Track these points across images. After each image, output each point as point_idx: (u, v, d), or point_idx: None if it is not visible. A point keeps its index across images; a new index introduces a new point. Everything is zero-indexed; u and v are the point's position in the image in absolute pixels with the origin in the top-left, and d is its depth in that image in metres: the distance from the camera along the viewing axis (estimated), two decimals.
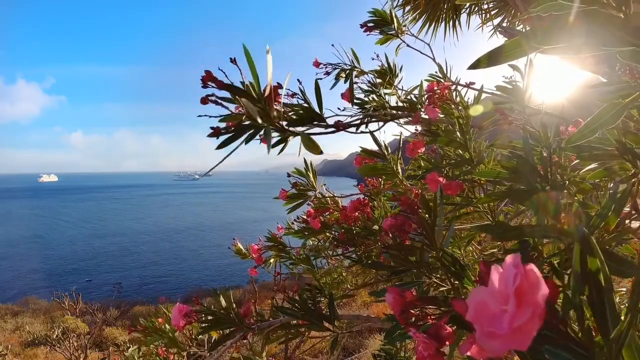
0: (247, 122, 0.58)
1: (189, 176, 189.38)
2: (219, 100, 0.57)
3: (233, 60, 0.56)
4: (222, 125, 0.57)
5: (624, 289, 1.28)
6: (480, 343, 0.33)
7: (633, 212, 0.59)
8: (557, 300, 0.38)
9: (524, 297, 0.31)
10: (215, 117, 0.58)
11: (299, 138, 0.60)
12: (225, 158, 0.61)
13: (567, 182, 0.73)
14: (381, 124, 1.04)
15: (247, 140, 0.59)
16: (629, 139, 0.61)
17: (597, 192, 0.78)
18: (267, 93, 0.57)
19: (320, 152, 0.57)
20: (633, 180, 0.61)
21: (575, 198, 0.74)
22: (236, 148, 0.60)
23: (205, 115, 0.59)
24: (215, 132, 0.56)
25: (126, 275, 24.60)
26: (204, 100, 0.55)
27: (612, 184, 0.72)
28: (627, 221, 0.58)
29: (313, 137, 0.60)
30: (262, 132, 0.59)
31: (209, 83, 0.55)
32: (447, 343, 0.43)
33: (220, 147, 0.58)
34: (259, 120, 0.56)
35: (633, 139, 0.61)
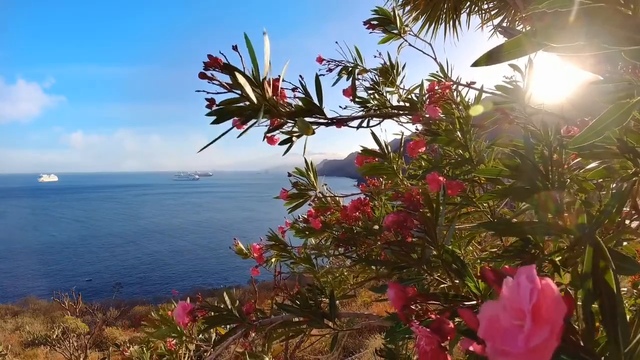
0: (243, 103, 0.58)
1: (189, 176, 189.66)
2: (215, 77, 0.58)
3: (235, 48, 0.57)
4: (219, 104, 0.58)
5: (625, 289, 1.28)
6: None
7: (633, 212, 0.59)
8: (572, 315, 0.36)
9: (541, 315, 0.30)
10: (214, 93, 0.59)
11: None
12: (221, 136, 0.61)
13: (569, 180, 0.73)
14: (381, 120, 1.05)
15: (243, 122, 0.60)
16: (630, 138, 0.61)
17: (599, 191, 0.78)
18: (264, 76, 0.58)
19: (312, 133, 0.58)
20: (634, 179, 0.61)
21: (577, 197, 0.74)
22: (231, 129, 0.60)
23: (204, 91, 0.60)
24: (211, 104, 0.57)
25: (126, 275, 24.60)
26: (202, 75, 0.56)
27: (614, 184, 0.72)
28: (627, 221, 0.59)
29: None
30: (258, 115, 0.60)
31: (210, 68, 0.56)
32: (449, 338, 0.43)
33: (215, 122, 0.59)
34: (253, 98, 0.57)
35: (634, 137, 0.61)
